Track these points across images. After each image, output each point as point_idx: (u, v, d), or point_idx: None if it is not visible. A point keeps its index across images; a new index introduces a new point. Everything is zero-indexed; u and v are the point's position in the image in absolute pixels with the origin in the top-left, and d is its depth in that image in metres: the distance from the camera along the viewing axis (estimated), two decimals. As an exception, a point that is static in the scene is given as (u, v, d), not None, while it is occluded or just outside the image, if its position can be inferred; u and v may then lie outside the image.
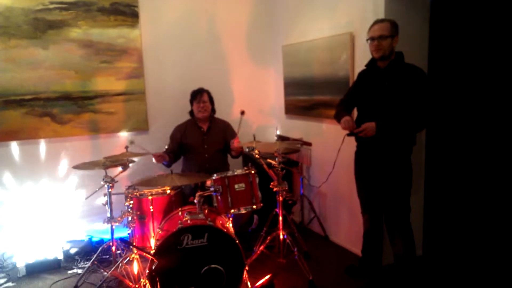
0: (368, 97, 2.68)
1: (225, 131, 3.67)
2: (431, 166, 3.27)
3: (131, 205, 2.96)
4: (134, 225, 2.97)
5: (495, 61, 2.94)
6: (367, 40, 2.63)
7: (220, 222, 2.76)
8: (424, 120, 2.57)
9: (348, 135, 2.69)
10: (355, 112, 2.92)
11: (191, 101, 3.65)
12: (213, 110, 3.72)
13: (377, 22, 2.59)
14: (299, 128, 4.10)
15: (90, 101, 3.69)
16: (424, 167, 3.25)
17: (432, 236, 3.36)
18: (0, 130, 3.43)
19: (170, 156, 3.52)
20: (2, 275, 3.23)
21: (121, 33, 3.74)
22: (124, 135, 3.87)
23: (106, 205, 2.88)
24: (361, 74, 2.83)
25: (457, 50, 3.12)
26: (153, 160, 3.39)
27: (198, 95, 3.59)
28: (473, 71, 3.07)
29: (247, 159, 4.07)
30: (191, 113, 3.69)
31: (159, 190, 3.07)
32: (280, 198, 3.04)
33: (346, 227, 3.54)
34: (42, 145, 3.60)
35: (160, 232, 2.77)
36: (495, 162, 3.02)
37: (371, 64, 2.71)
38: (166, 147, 3.58)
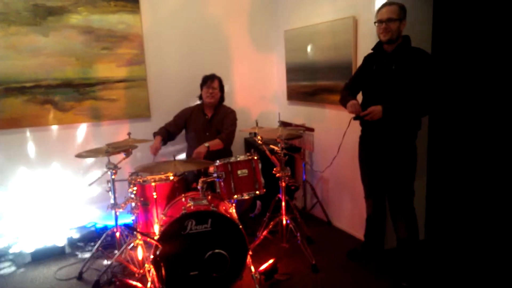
0: (375, 81, 2.66)
1: (224, 119, 3.65)
2: (434, 151, 3.27)
3: (134, 192, 2.97)
4: (137, 212, 2.98)
5: (499, 47, 2.90)
6: (375, 22, 2.59)
7: (224, 207, 2.77)
8: (431, 104, 2.55)
9: (355, 118, 2.68)
10: (360, 97, 2.90)
11: (201, 86, 3.64)
12: (222, 98, 3.71)
13: (385, 4, 2.56)
14: (301, 113, 4.09)
15: (91, 88, 3.68)
16: (427, 152, 3.24)
17: (435, 221, 3.37)
18: (2, 118, 3.42)
19: (164, 138, 3.56)
20: (8, 262, 3.27)
21: (121, 19, 3.70)
22: (125, 122, 3.86)
23: (110, 192, 2.89)
24: (367, 58, 2.80)
25: (461, 35, 3.09)
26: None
27: (209, 80, 3.59)
28: (476, 56, 3.04)
29: (250, 145, 4.07)
30: (201, 97, 3.69)
31: (162, 176, 3.08)
32: (283, 184, 3.05)
33: (349, 212, 3.55)
34: (44, 133, 3.59)
35: (164, 218, 2.78)
36: (498, 148, 3.01)
37: (377, 47, 2.68)
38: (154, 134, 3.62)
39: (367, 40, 3.04)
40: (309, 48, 3.78)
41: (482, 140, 3.10)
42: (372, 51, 2.74)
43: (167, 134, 3.62)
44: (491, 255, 3.03)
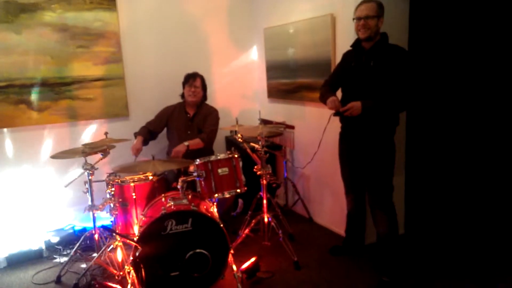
0: (353, 77, 2.68)
1: (206, 118, 3.62)
2: (412, 147, 3.31)
3: (112, 192, 2.91)
4: (116, 213, 2.93)
5: (475, 43, 2.96)
6: (353, 19, 2.61)
7: (204, 207, 2.75)
8: (408, 100, 2.59)
9: (334, 114, 2.70)
10: (339, 93, 2.91)
11: (183, 84, 3.61)
12: (205, 97, 3.68)
13: (363, 2, 2.57)
14: (281, 111, 4.09)
15: (67, 87, 3.59)
16: (405, 147, 3.29)
17: (414, 215, 3.43)
18: (-26, 119, 3.31)
19: (146, 138, 3.52)
20: (-18, 267, 3.17)
21: (97, 16, 3.62)
22: (103, 122, 3.78)
23: (87, 193, 2.83)
24: (346, 54, 2.82)
25: (437, 32, 3.14)
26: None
27: (191, 79, 3.56)
28: (453, 53, 3.09)
29: (231, 143, 4.05)
30: (183, 95, 3.65)
31: (142, 176, 3.03)
32: (264, 182, 3.05)
33: (330, 208, 3.58)
34: (19, 134, 3.49)
35: (143, 218, 2.74)
36: (474, 142, 3.08)
37: (356, 45, 2.70)
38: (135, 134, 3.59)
39: (346, 37, 3.06)
40: (288, 46, 3.78)
41: (459, 136, 3.16)
42: (350, 48, 2.76)
43: (148, 134, 3.57)
44: (469, 248, 3.09)
